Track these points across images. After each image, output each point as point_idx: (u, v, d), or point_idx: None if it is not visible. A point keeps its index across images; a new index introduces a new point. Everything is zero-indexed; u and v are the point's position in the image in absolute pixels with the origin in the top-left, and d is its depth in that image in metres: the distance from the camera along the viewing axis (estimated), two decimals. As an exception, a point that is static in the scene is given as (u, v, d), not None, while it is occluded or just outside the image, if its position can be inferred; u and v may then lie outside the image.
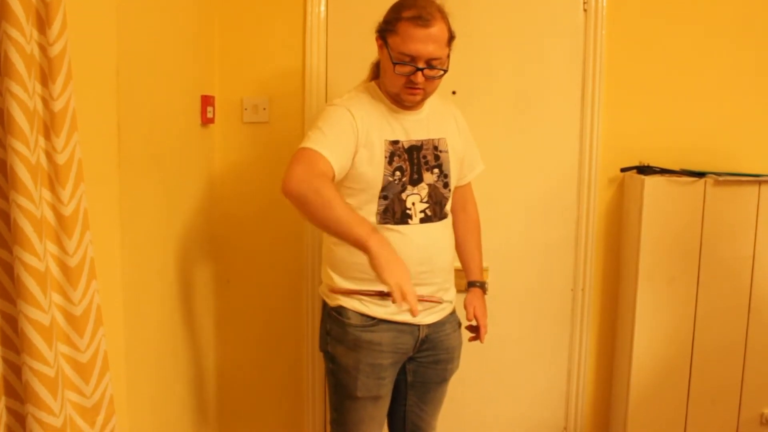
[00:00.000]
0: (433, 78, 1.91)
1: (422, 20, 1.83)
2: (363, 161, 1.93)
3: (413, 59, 1.86)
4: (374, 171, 1.94)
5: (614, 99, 2.68)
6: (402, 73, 1.89)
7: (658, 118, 2.68)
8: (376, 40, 1.97)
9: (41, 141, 1.43)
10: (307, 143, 1.83)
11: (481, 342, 2.17)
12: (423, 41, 1.84)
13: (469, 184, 2.25)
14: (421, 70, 1.87)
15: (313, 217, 1.76)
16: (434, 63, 1.88)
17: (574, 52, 2.67)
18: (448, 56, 1.93)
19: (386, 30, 1.92)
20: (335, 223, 1.72)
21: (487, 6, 2.66)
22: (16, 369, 1.45)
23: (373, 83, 2.06)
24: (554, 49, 2.67)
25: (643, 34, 2.66)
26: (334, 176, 1.84)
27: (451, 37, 1.93)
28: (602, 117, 2.68)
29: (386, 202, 1.95)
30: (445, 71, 1.93)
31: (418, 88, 1.91)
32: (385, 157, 1.95)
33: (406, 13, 1.86)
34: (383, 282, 1.65)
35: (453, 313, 2.16)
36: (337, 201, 1.72)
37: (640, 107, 2.69)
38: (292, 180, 1.73)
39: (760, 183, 2.47)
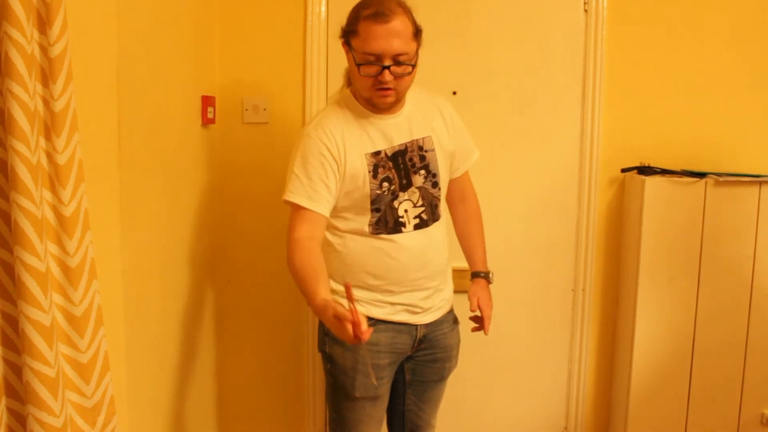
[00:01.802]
0: (401, 75, 1.85)
1: (381, 16, 1.78)
2: (347, 182, 1.92)
3: (378, 58, 1.81)
4: (360, 188, 1.92)
5: (615, 99, 2.68)
6: (368, 74, 1.84)
7: (659, 119, 2.68)
8: (342, 45, 1.92)
9: (42, 141, 1.43)
10: (287, 195, 1.90)
11: (486, 333, 2.12)
12: (385, 37, 1.79)
13: (466, 174, 2.20)
14: (387, 68, 1.82)
15: None
16: (401, 59, 1.82)
17: (574, 53, 2.67)
18: (417, 51, 1.87)
19: (348, 32, 1.87)
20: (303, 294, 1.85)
21: (487, 6, 2.66)
22: (16, 369, 1.45)
23: (347, 91, 2.01)
24: (555, 49, 2.67)
25: (643, 34, 2.66)
26: (325, 218, 1.91)
27: (417, 31, 1.87)
28: (603, 117, 2.68)
29: (378, 213, 1.95)
30: (414, 66, 1.87)
31: (389, 89, 1.86)
32: (369, 172, 1.92)
33: (365, 12, 1.82)
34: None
35: (450, 311, 2.16)
36: (299, 272, 1.82)
37: (640, 107, 2.69)
38: (287, 257, 1.88)
39: (760, 183, 2.47)
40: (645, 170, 2.58)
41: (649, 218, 2.50)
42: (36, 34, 1.39)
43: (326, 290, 1.80)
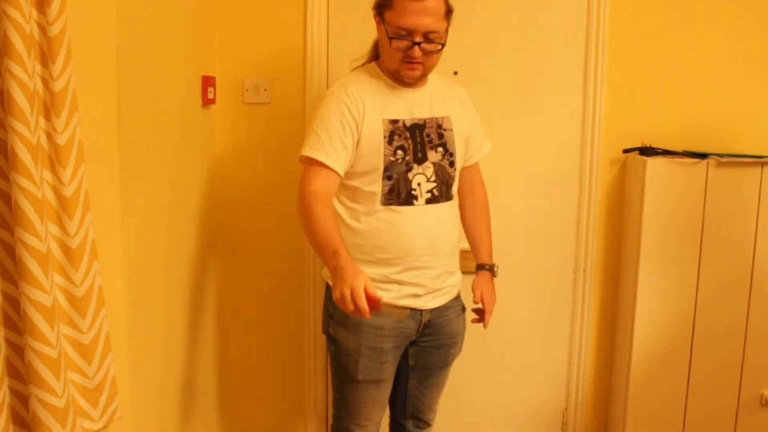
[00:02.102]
0: (431, 52, 1.90)
1: None
2: (362, 145, 1.93)
3: (410, 33, 1.86)
4: (374, 152, 1.93)
5: (617, 80, 2.66)
6: (399, 47, 1.88)
7: (661, 99, 2.67)
8: (374, 16, 1.96)
9: (41, 121, 1.43)
10: (306, 150, 1.91)
11: (485, 327, 2.15)
12: (419, 14, 1.83)
13: (476, 165, 2.23)
14: (418, 44, 1.86)
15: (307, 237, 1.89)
16: (432, 36, 1.87)
17: (576, 33, 2.65)
18: (447, 30, 1.92)
19: (383, 5, 1.91)
20: (314, 244, 1.86)
21: (489, -15, 2.64)
22: (18, 350, 1.45)
23: (373, 64, 2.05)
24: (557, 29, 2.65)
25: (645, 15, 2.63)
26: (339, 177, 1.92)
27: (449, 10, 1.91)
28: (605, 98, 2.67)
29: (390, 182, 1.95)
30: (443, 45, 1.91)
31: (417, 62, 1.90)
32: (384, 137, 1.94)
33: None
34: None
35: (457, 297, 2.15)
36: (317, 224, 1.81)
37: (642, 88, 2.67)
38: (297, 203, 1.89)
39: (762, 165, 2.46)
40: (646, 151, 2.57)
41: (651, 199, 2.49)
42: (34, 14, 1.39)
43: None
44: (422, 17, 1.83)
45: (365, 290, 1.62)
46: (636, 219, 2.55)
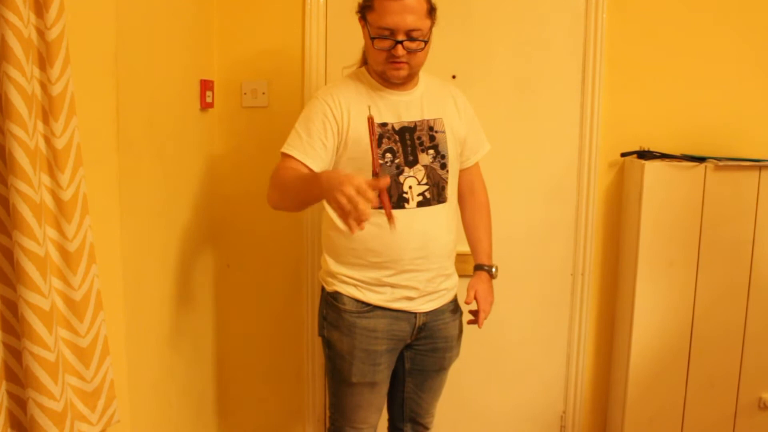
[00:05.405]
0: (414, 51, 1.90)
1: None
2: (350, 148, 1.94)
3: (392, 32, 1.86)
4: (362, 156, 1.92)
5: (615, 83, 2.67)
6: (381, 47, 1.89)
7: (659, 103, 2.67)
8: (359, 20, 1.97)
9: (40, 125, 1.43)
10: (285, 147, 1.94)
11: (479, 327, 2.13)
12: (400, 13, 1.84)
13: (476, 166, 2.21)
14: (401, 42, 1.87)
15: (293, 204, 1.90)
16: (414, 35, 1.87)
17: (574, 36, 2.66)
18: (431, 29, 1.92)
19: (365, 7, 1.93)
20: (300, 194, 1.80)
21: (487, -11, 2.64)
22: (16, 354, 1.45)
23: (362, 68, 2.06)
24: (555, 33, 2.66)
25: (644, 18, 2.64)
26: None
27: (432, 8, 1.92)
28: (603, 101, 2.67)
29: None
30: (426, 42, 1.92)
31: (401, 62, 1.90)
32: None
33: None
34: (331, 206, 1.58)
35: (453, 301, 2.15)
36: (289, 178, 1.82)
37: (640, 92, 2.68)
38: (272, 182, 1.88)
39: (760, 168, 2.47)
40: (644, 154, 2.58)
41: (649, 203, 2.50)
42: (33, 18, 1.39)
43: None
44: (403, 16, 1.84)
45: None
46: (634, 222, 2.55)
